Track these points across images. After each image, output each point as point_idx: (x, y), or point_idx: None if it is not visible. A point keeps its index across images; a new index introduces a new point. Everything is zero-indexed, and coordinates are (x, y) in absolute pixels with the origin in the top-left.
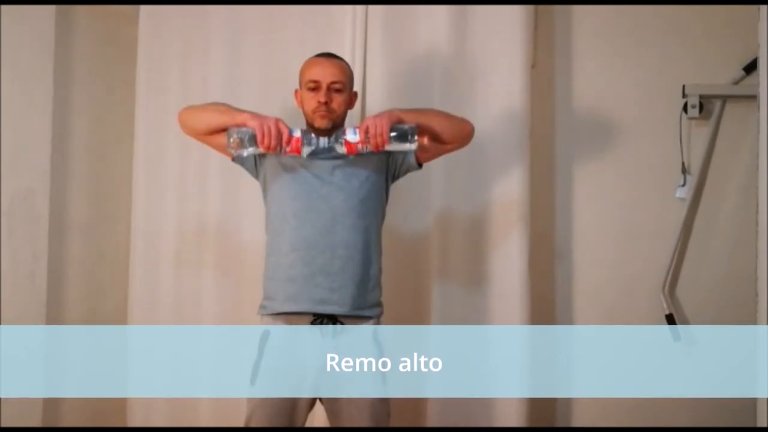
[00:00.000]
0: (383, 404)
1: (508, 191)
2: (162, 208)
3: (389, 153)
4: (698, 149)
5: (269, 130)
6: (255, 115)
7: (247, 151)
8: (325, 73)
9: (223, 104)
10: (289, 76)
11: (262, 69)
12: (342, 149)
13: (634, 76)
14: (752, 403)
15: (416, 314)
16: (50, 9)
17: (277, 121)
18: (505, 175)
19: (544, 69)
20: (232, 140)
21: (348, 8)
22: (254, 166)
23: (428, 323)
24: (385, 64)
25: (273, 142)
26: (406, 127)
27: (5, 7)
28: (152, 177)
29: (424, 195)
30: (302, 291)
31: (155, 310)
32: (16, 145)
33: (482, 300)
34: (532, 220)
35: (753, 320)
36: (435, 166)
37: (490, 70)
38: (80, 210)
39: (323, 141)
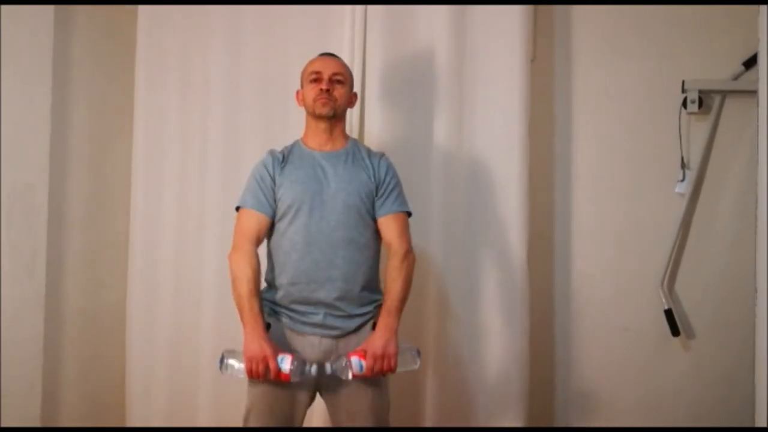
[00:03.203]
0: (382, 397)
1: (507, 185)
2: (161, 203)
3: (376, 184)
4: (697, 144)
5: (257, 367)
6: (250, 343)
7: (235, 374)
8: (327, 66)
9: (244, 296)
10: (288, 75)
11: (262, 68)
12: (348, 376)
13: (634, 71)
14: (751, 401)
15: (415, 306)
16: (49, 6)
17: (266, 356)
18: (504, 170)
19: (544, 63)
20: (223, 365)
21: (347, 8)
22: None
23: (427, 316)
24: (385, 64)
25: (261, 376)
26: (408, 356)
27: (4, 6)
28: (151, 172)
29: (424, 190)
30: (303, 316)
31: (154, 304)
32: (16, 140)
33: (481, 294)
34: (531, 215)
35: (752, 315)
36: (435, 163)
37: (490, 66)
38: (79, 205)
39: (318, 369)
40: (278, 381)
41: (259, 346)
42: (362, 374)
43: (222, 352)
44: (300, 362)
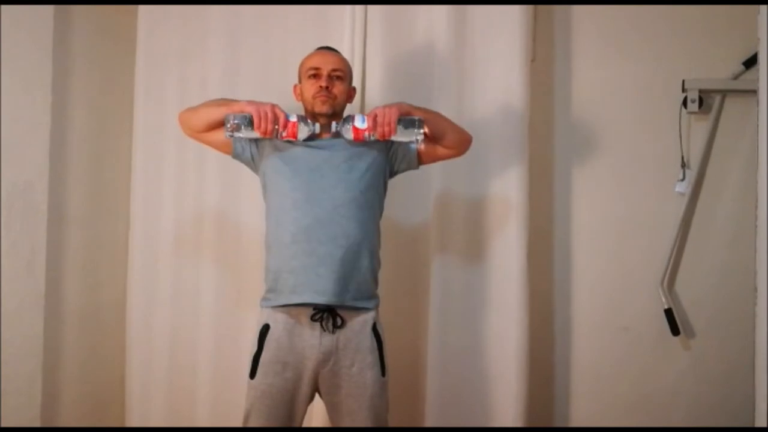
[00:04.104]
0: (382, 398)
1: (507, 185)
2: (160, 201)
3: (390, 147)
4: (697, 144)
5: (265, 114)
6: (252, 101)
7: (244, 135)
8: (326, 61)
9: (220, 98)
10: (288, 76)
11: (261, 69)
12: (349, 135)
13: (634, 71)
14: (751, 400)
15: (414, 306)
16: (49, 6)
17: (273, 105)
18: (504, 170)
19: (544, 63)
20: (229, 124)
21: (347, 9)
22: (251, 159)
23: (426, 315)
24: (385, 63)
25: (269, 126)
26: (413, 118)
27: (5, 6)
28: (151, 170)
29: (424, 191)
30: (304, 282)
31: (153, 303)
32: (15, 138)
33: (481, 294)
34: (530, 214)
35: (752, 315)
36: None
37: (489, 65)
38: (79, 203)
39: (320, 126)
40: (287, 140)
41: (262, 101)
42: (365, 129)
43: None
44: (305, 118)
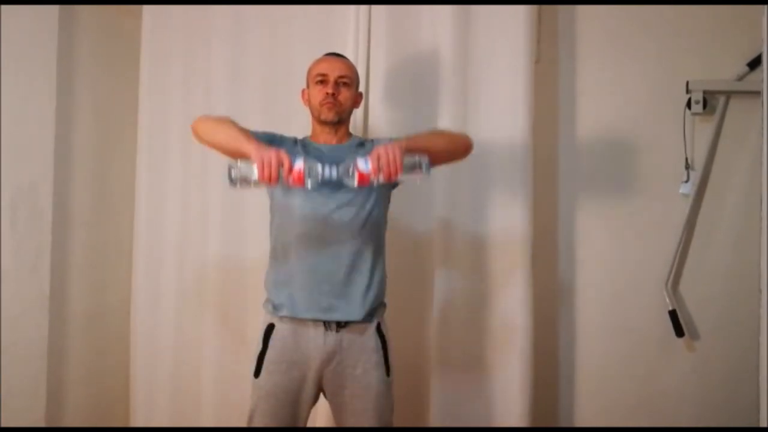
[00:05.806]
0: (387, 398)
1: (511, 185)
2: (165, 202)
3: None
4: (702, 145)
5: (269, 162)
6: (258, 148)
7: (248, 184)
8: (333, 68)
9: (234, 127)
10: (292, 75)
11: (266, 69)
12: (353, 181)
13: (638, 72)
14: (755, 402)
15: (419, 307)
16: (53, 6)
17: (278, 152)
18: (508, 171)
19: (548, 64)
20: (233, 174)
21: (351, 8)
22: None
23: (431, 315)
24: (389, 64)
25: (273, 174)
26: (416, 157)
27: (9, 6)
28: (155, 171)
29: (428, 191)
30: (308, 299)
31: (158, 305)
32: (20, 139)
33: (485, 294)
34: (535, 215)
35: (756, 316)
36: None
37: (494, 66)
38: (83, 204)
39: (329, 171)
40: (292, 185)
41: (267, 148)
42: (369, 174)
43: (227, 164)
44: (312, 163)
